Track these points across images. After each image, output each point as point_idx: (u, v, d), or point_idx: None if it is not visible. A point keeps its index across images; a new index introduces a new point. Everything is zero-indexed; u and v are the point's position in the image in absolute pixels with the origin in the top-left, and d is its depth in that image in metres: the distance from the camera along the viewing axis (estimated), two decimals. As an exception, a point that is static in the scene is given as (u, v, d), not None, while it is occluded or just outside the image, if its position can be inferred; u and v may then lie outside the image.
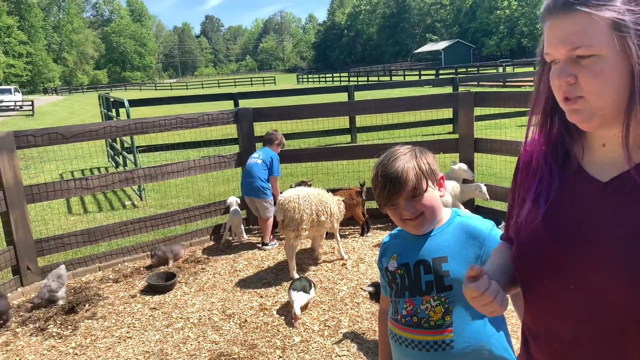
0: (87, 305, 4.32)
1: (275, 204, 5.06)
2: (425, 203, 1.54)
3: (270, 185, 5.48)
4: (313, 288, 4.01)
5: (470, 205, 5.78)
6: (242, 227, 5.78)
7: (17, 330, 3.94)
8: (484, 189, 5.41)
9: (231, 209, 5.74)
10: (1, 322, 3.94)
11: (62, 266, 4.56)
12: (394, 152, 1.59)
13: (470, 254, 1.54)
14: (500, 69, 36.36)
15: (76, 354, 3.56)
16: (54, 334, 3.86)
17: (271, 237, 5.63)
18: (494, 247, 1.41)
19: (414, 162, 1.55)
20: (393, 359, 1.70)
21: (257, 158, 5.48)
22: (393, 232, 1.76)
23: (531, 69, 33.12)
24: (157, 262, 5.13)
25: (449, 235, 1.58)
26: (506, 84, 25.03)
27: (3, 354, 3.62)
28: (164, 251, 5.15)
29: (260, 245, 5.56)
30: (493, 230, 1.57)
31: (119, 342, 3.70)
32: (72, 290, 4.64)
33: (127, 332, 3.83)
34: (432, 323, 1.53)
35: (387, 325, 1.71)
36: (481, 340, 1.54)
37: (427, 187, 1.54)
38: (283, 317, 3.90)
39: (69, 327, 3.95)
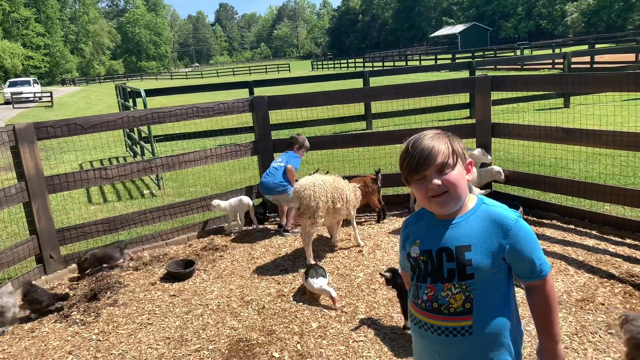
0: (108, 293, 4.41)
1: None
2: (451, 180, 1.54)
3: (288, 183, 5.42)
4: (327, 274, 4.04)
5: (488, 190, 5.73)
6: (238, 218, 5.78)
7: (42, 317, 4.05)
8: (500, 170, 5.44)
9: (225, 204, 5.68)
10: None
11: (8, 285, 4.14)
12: (425, 132, 1.61)
13: (494, 243, 1.54)
14: (518, 52, 35.79)
15: (99, 340, 3.65)
16: (77, 320, 3.96)
17: (293, 224, 5.70)
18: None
19: (445, 139, 1.57)
20: (413, 342, 1.73)
21: (279, 162, 5.58)
22: (413, 215, 1.77)
23: (549, 51, 32.50)
24: (87, 266, 4.78)
25: (473, 224, 1.57)
26: (524, 67, 24.64)
27: (29, 340, 3.73)
28: (94, 256, 4.81)
29: (282, 231, 5.63)
30: (519, 221, 1.56)
31: (140, 328, 3.77)
32: (94, 278, 4.74)
33: (148, 319, 3.90)
34: (451, 310, 1.54)
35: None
36: (499, 329, 1.55)
37: (455, 164, 1.55)
38: (300, 303, 3.94)
39: (92, 314, 4.05)
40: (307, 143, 5.83)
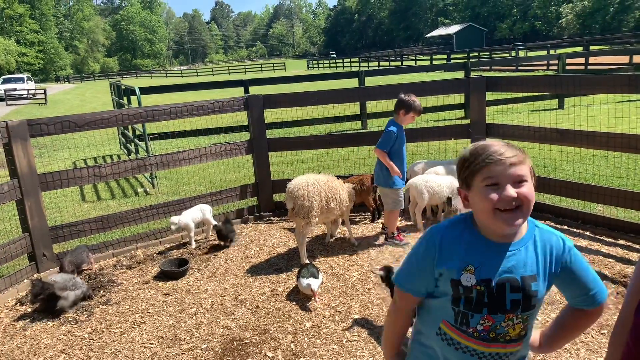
0: (101, 291, 4.39)
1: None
2: (527, 194, 1.38)
3: (388, 172, 4.70)
4: (321, 274, 4.04)
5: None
6: (192, 234, 5.37)
7: (34, 315, 4.02)
8: None
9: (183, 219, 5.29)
10: None
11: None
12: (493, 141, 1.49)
13: (553, 271, 1.46)
14: (513, 53, 35.91)
15: (92, 339, 3.63)
16: (69, 319, 3.93)
17: (398, 233, 4.93)
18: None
19: (524, 152, 1.45)
20: (430, 354, 1.61)
21: None
22: (443, 228, 1.53)
23: (544, 52, 32.64)
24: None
25: (534, 250, 1.45)
26: (519, 68, 24.72)
27: (21, 338, 3.70)
28: (73, 263, 4.63)
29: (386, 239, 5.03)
30: (573, 248, 1.48)
31: (133, 327, 3.76)
32: (87, 277, 4.71)
33: (141, 318, 3.89)
34: (507, 338, 1.47)
35: (408, 325, 1.68)
36: (528, 344, 1.57)
37: (530, 180, 1.42)
38: (294, 303, 3.93)
39: (85, 312, 4.02)
40: (417, 104, 4.55)
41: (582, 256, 1.51)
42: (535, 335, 1.64)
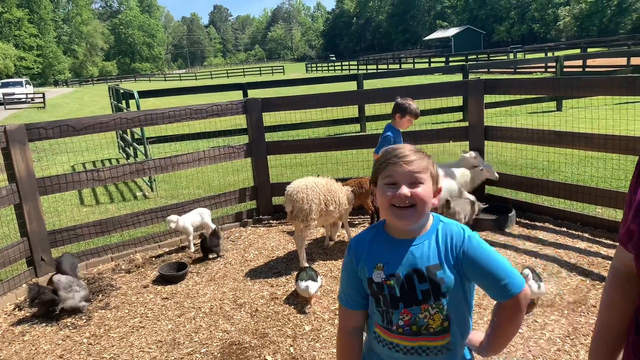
0: (100, 296, 4.38)
1: None
2: (420, 194, 1.49)
3: None
4: (320, 277, 4.04)
5: (481, 193, 5.73)
6: (191, 237, 5.38)
7: (33, 320, 4.01)
8: (492, 168, 5.50)
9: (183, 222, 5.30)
10: None
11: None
12: (405, 145, 1.59)
13: (454, 256, 1.51)
14: (511, 56, 35.99)
15: (90, 344, 3.62)
16: (68, 324, 3.93)
17: None
18: None
19: (426, 156, 1.55)
20: (370, 356, 1.66)
21: None
22: (357, 238, 1.66)
23: (542, 55, 32.73)
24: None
25: (435, 242, 1.53)
26: (517, 70, 24.78)
27: (19, 343, 3.69)
28: (71, 266, 4.48)
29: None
30: (473, 236, 1.53)
31: (132, 331, 3.75)
32: (86, 281, 4.70)
33: (140, 322, 3.88)
34: (431, 330, 1.52)
35: (358, 344, 1.67)
36: (464, 338, 1.59)
37: (428, 182, 1.52)
38: (293, 306, 3.93)
39: (83, 317, 4.01)
40: (413, 107, 4.46)
41: (488, 246, 1.52)
42: (477, 336, 1.65)
